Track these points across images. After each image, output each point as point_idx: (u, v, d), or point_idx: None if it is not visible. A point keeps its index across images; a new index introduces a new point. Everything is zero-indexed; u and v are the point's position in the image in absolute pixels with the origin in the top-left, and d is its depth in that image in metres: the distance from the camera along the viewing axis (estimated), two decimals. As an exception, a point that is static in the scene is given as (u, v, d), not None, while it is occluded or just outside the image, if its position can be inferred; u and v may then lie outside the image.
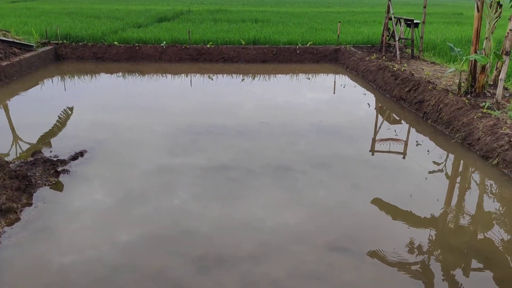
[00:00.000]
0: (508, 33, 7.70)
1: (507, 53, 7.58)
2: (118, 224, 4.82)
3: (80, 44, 14.51)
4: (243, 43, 14.96)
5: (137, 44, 14.61)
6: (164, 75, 13.01)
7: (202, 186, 5.73)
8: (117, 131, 7.75)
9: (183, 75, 13.06)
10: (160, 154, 6.74)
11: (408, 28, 13.53)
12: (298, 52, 14.89)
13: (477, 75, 8.56)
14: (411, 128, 8.44)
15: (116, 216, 4.97)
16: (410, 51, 13.40)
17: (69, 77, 12.56)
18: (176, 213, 5.07)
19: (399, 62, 12.15)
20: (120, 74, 13.00)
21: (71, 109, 9.26)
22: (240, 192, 5.60)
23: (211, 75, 13.16)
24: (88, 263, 4.13)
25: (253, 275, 3.97)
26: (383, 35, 13.71)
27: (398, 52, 12.61)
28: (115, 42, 14.62)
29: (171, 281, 3.89)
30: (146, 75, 12.91)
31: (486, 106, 7.69)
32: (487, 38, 8.43)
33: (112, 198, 5.38)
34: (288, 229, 4.77)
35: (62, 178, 5.78)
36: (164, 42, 14.71)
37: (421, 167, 6.51)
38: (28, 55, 12.49)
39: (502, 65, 7.81)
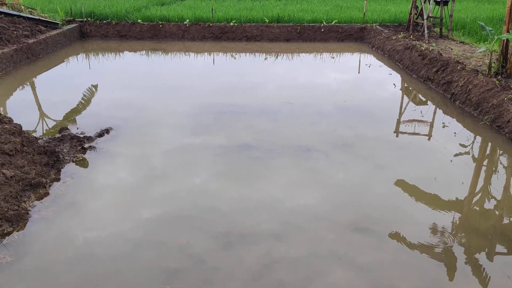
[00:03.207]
0: (543, 11, 7.39)
1: (541, 33, 7.30)
2: (142, 201, 4.91)
3: (104, 22, 14.59)
4: (267, 21, 14.79)
5: (160, 22, 14.60)
6: (187, 53, 13.01)
7: (224, 165, 5.77)
8: (141, 109, 7.83)
9: (206, 53, 13.04)
10: (183, 133, 6.80)
11: (437, 6, 13.11)
12: (322, 30, 14.65)
13: (508, 56, 8.27)
14: (438, 109, 8.26)
15: (140, 193, 5.06)
16: (439, 30, 13.02)
17: (93, 55, 12.70)
18: (198, 192, 5.12)
19: (427, 42, 11.83)
20: (144, 52, 13.05)
21: (96, 87, 9.37)
22: (262, 172, 5.61)
23: (234, 53, 13.09)
24: (113, 238, 4.23)
25: (275, 253, 4.01)
26: (410, 13, 13.33)
27: (426, 31, 12.27)
28: (139, 20, 14.64)
29: (195, 256, 3.96)
30: (169, 53, 12.93)
31: (517, 87, 7.45)
32: (520, 16, 8.11)
33: (136, 176, 5.47)
34: (309, 209, 4.77)
35: (89, 154, 5.90)
36: (188, 20, 14.66)
37: (446, 149, 6.40)
38: (53, 32, 12.64)
39: (535, 45, 7.53)
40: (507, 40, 8.13)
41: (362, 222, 4.53)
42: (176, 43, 14.22)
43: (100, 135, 6.48)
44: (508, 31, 8.21)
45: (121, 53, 12.96)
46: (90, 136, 6.38)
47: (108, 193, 5.05)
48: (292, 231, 4.37)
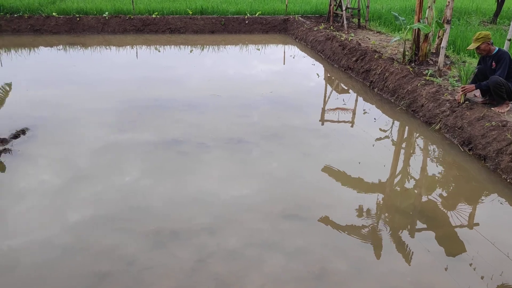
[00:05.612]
0: (448, 2, 7.94)
1: (448, 22, 7.85)
2: (67, 203, 4.66)
3: (15, 15, 13.60)
4: (190, 13, 14.58)
5: (77, 15, 13.89)
6: (108, 47, 12.50)
7: (153, 162, 5.63)
8: (61, 107, 7.41)
9: (128, 47, 12.60)
10: (108, 130, 6.53)
11: (355, -2, 13.66)
12: (247, 22, 14.71)
13: (420, 44, 8.82)
14: (359, 97, 8.64)
15: (64, 196, 4.80)
16: (357, 21, 13.58)
17: (5, 51, 11.80)
18: (127, 190, 4.96)
19: (346, 32, 12.30)
20: (61, 47, 12.35)
21: (9, 85, 8.73)
22: (192, 166, 5.55)
23: (158, 46, 12.78)
24: (38, 245, 3.99)
25: (209, 247, 3.99)
26: (330, 5, 13.78)
27: (345, 22, 12.75)
28: (54, 13, 13.82)
29: (126, 257, 3.84)
30: (89, 47, 12.35)
31: (429, 73, 7.97)
32: (429, 7, 8.66)
33: (59, 177, 5.18)
34: (241, 200, 4.80)
35: (4, 157, 5.49)
36: (107, 13, 14.07)
37: (368, 134, 6.71)
38: (-44, 27, 11.58)
39: (443, 34, 8.08)
40: (418, 29, 8.65)
41: (294, 210, 4.64)
42: (95, 36, 13.60)
43: (16, 136, 6.06)
44: (419, 21, 8.74)
45: (36, 49, 12.16)
46: (4, 138, 5.94)
47: (29, 198, 4.73)
48: (225, 224, 4.38)
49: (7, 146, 5.75)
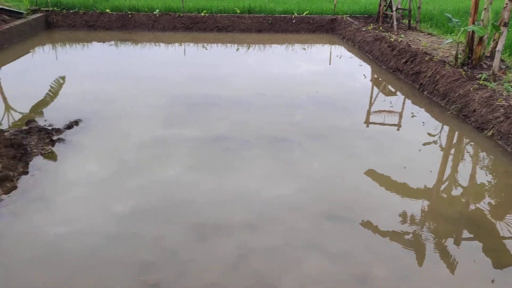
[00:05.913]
0: (506, 3, 7.61)
1: (505, 24, 7.52)
2: (114, 194, 4.84)
3: (71, 11, 14.19)
4: (238, 11, 14.71)
5: (129, 12, 14.32)
6: (157, 44, 12.81)
7: (197, 157, 5.74)
8: (111, 100, 7.69)
9: (176, 44, 12.87)
10: (155, 125, 6.71)
11: (406, -2, 13.32)
12: (294, 21, 14.67)
13: (474, 47, 8.50)
14: (407, 99, 8.43)
15: (111, 187, 4.98)
16: (407, 22, 13.24)
17: (60, 46, 12.34)
18: (172, 184, 5.09)
19: (396, 33, 12.03)
20: (113, 42, 12.78)
21: (63, 78, 9.13)
22: (236, 163, 5.61)
23: (205, 44, 12.97)
24: (84, 233, 4.17)
25: (250, 243, 4.04)
26: (380, 5, 13.51)
27: (395, 23, 12.46)
28: (107, 10, 14.32)
29: (169, 249, 3.94)
30: (139, 44, 12.70)
31: (482, 78, 7.68)
32: (485, 8, 8.33)
33: (107, 168, 5.38)
34: (283, 199, 4.81)
35: (58, 147, 5.76)
36: (157, 10, 14.43)
37: (415, 138, 6.55)
38: (18, 22, 12.20)
39: (499, 37, 7.75)
40: (473, 31, 8.34)
41: (336, 211, 4.61)
42: (146, 33, 13.97)
43: (69, 127, 6.34)
44: (473, 23, 8.42)
45: (89, 44, 12.64)
46: (58, 128, 6.23)
47: (78, 186, 4.95)
48: (267, 221, 4.41)
49: (61, 136, 6.03)
